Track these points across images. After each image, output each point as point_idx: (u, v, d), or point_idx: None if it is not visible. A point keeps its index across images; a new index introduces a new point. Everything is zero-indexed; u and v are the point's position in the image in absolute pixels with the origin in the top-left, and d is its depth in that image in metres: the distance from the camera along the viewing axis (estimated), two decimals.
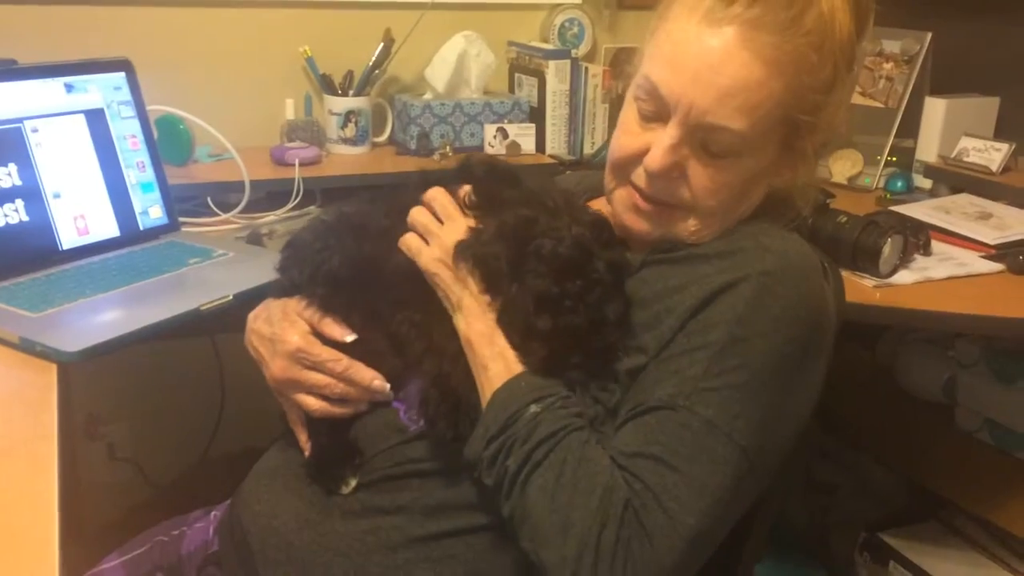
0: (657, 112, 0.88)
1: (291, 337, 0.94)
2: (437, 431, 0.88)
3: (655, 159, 0.87)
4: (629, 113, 0.92)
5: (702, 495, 0.79)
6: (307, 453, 0.97)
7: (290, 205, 1.69)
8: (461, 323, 0.89)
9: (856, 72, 0.91)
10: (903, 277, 1.42)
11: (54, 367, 1.03)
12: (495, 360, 0.86)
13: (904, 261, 1.45)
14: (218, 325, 1.83)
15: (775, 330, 0.84)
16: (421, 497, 0.90)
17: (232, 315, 1.35)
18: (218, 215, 1.61)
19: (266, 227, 1.63)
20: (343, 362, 0.93)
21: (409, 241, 0.93)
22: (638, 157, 0.90)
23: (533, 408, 0.83)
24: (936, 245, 1.54)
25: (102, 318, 1.16)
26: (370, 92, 1.93)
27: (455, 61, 1.91)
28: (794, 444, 0.89)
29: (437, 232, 0.91)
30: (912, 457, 1.84)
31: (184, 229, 1.52)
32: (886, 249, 1.39)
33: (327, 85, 1.92)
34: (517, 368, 0.86)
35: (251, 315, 1.02)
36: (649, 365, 0.86)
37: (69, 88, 1.38)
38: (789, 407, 0.86)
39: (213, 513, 1.08)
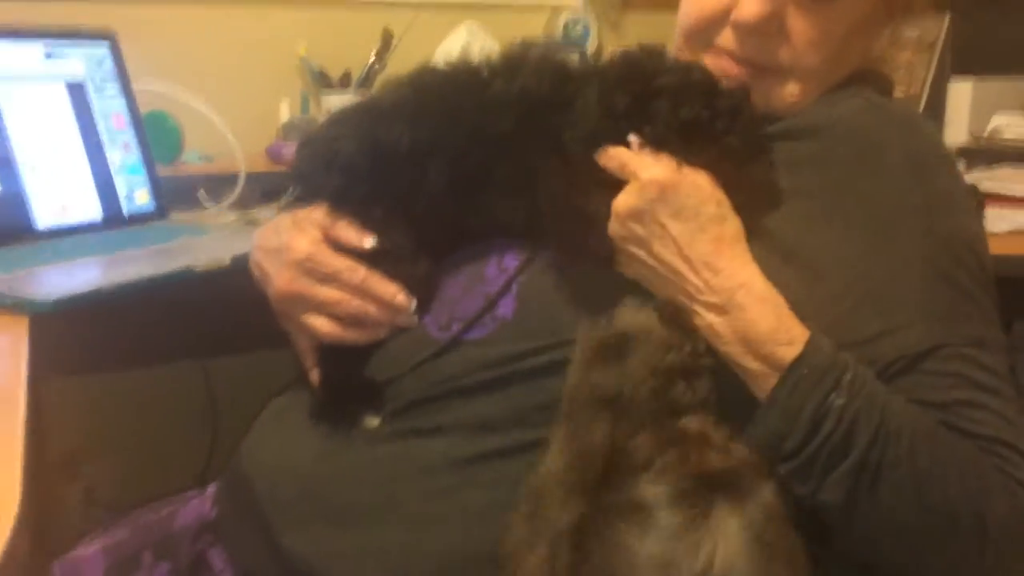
0: None
1: (299, 244, 0.80)
2: (590, 251, 0.73)
3: (749, 8, 0.76)
4: None
5: (1019, 413, 0.69)
6: (315, 387, 0.83)
7: (287, 198, 1.56)
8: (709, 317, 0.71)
9: None
10: None
11: (25, 322, 0.88)
12: (746, 357, 0.69)
13: None
14: (208, 350, 1.69)
15: (955, 208, 0.75)
16: (464, 416, 0.76)
17: (224, 336, 1.22)
18: (209, 206, 1.48)
19: (263, 219, 1.50)
20: (360, 272, 0.79)
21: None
22: (722, 15, 0.79)
23: (837, 401, 0.65)
24: (988, 211, 1.44)
25: (82, 275, 1.02)
26: (369, 90, 1.84)
27: (459, 53, 1.82)
28: None
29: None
30: None
31: (173, 218, 1.39)
32: None
33: (324, 83, 1.82)
34: (782, 362, 0.68)
35: (257, 231, 0.88)
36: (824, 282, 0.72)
37: (48, 55, 1.26)
38: (989, 265, 0.75)
39: (209, 489, 0.92)
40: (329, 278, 0.80)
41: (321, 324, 0.81)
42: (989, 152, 1.78)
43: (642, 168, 0.71)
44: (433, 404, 0.77)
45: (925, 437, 0.66)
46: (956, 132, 1.88)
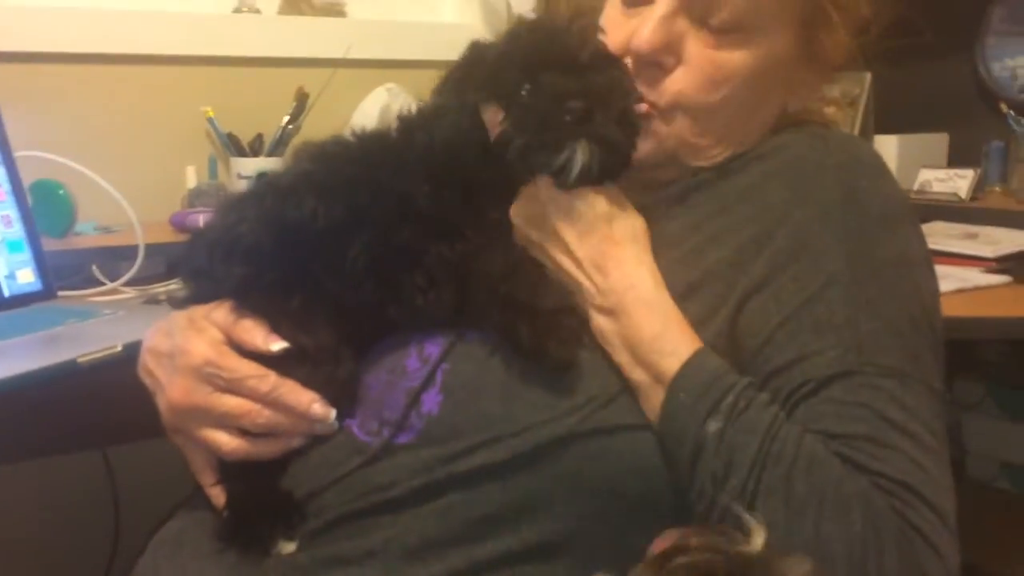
0: None
1: (197, 347, 0.70)
2: (550, 358, 0.66)
3: (643, 35, 0.72)
4: (609, 8, 0.77)
5: (938, 464, 0.63)
6: (219, 507, 0.72)
7: (180, 298, 1.43)
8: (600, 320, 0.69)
9: None
10: None
11: None
12: (633, 369, 0.67)
13: None
14: (108, 435, 1.55)
15: (891, 233, 0.70)
16: (397, 535, 0.66)
17: (125, 421, 1.10)
18: (104, 284, 1.35)
19: (165, 295, 1.37)
20: (269, 379, 0.70)
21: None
22: (626, 50, 0.74)
23: (712, 426, 0.63)
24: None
25: None
26: (283, 153, 1.74)
27: (378, 115, 1.75)
28: None
29: None
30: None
31: (62, 296, 1.26)
32: None
33: (234, 146, 1.72)
34: (664, 376, 0.66)
35: (147, 332, 0.77)
36: (714, 314, 0.68)
37: None
38: (936, 320, 0.71)
39: None
40: (233, 386, 0.70)
41: (224, 441, 0.71)
42: (918, 208, 1.78)
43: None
44: (361, 522, 0.67)
45: (808, 466, 0.62)
46: None
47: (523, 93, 0.67)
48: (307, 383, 0.70)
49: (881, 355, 0.65)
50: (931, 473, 0.63)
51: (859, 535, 0.60)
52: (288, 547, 0.68)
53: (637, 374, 0.66)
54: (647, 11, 0.73)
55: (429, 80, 2.09)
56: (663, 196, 0.76)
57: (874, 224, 0.70)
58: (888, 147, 1.89)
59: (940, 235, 1.58)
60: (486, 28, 2.02)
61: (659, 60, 0.73)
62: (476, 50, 0.73)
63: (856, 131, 1.89)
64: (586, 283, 0.68)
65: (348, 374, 0.72)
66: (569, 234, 0.69)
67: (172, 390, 0.72)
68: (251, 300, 0.72)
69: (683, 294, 0.69)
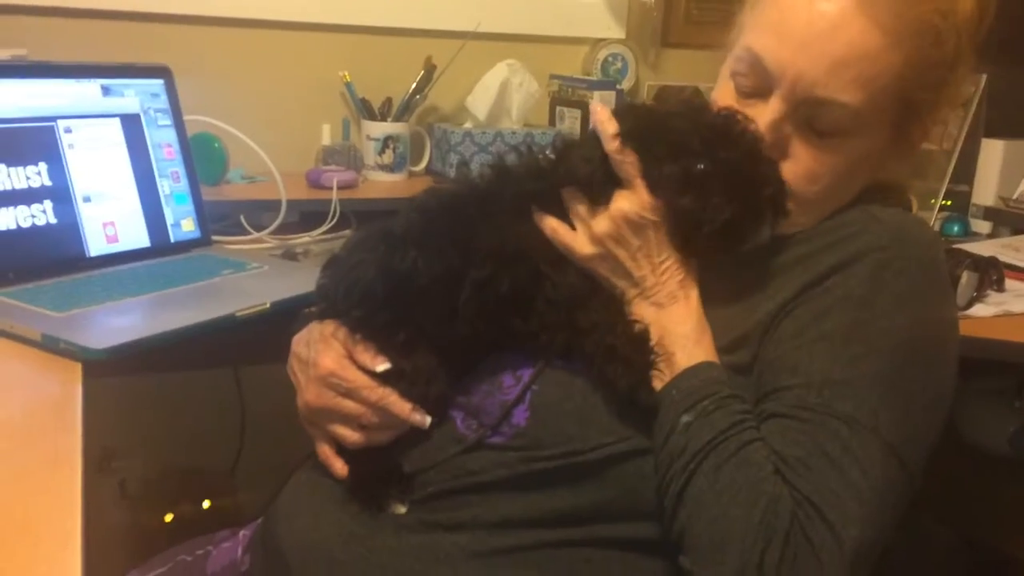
0: (757, 87, 0.82)
1: (324, 360, 0.86)
2: (641, 401, 0.79)
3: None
4: (724, 91, 0.85)
5: (860, 501, 0.71)
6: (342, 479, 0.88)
7: (325, 227, 1.62)
8: (646, 308, 0.81)
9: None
10: (980, 311, 1.32)
11: (78, 368, 0.95)
12: (667, 359, 0.79)
13: (979, 296, 1.36)
14: (242, 355, 1.75)
15: (900, 310, 0.76)
16: (483, 513, 0.81)
17: (257, 344, 1.27)
18: (251, 233, 1.54)
19: (301, 247, 1.56)
20: (377, 391, 0.84)
21: (556, 227, 0.83)
22: None
23: (684, 419, 0.75)
24: (1009, 283, 1.46)
25: (131, 319, 1.08)
26: (409, 119, 1.88)
27: (497, 89, 1.86)
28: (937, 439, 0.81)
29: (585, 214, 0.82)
30: (977, 516, 1.72)
31: (216, 245, 1.45)
32: (963, 279, 1.30)
33: (366, 110, 1.87)
34: (674, 367, 0.78)
35: (295, 337, 0.93)
36: (759, 357, 0.79)
37: (106, 91, 1.32)
38: (931, 394, 0.78)
39: (242, 532, 0.98)
40: (350, 394, 0.85)
41: (347, 434, 0.86)
42: (1014, 216, 1.80)
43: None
44: (455, 498, 0.82)
45: (739, 463, 0.73)
46: (984, 193, 1.90)
47: (699, 167, 0.77)
48: (405, 397, 0.84)
49: (839, 401, 0.74)
50: (844, 502, 0.71)
51: (755, 525, 0.70)
52: (400, 508, 0.84)
53: (665, 363, 0.78)
54: (760, 106, 0.81)
55: (551, 56, 2.21)
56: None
57: (888, 300, 0.77)
58: (993, 152, 1.89)
59: None
60: (606, 5, 2.10)
61: None
62: (645, 113, 0.83)
63: (964, 132, 1.89)
64: (650, 278, 0.80)
65: (438, 394, 0.85)
66: (643, 246, 0.80)
67: (307, 393, 0.87)
68: (363, 332, 0.86)
69: (736, 344, 0.80)
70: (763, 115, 0.80)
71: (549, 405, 0.81)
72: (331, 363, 0.85)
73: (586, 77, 2.06)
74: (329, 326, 0.88)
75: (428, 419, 0.84)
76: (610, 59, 2.11)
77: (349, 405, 0.85)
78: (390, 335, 0.84)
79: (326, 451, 0.89)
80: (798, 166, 0.81)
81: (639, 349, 0.79)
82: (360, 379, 0.84)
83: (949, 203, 1.91)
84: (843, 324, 0.76)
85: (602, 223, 0.80)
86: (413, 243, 0.83)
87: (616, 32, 2.12)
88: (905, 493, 0.76)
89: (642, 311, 0.80)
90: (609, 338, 0.78)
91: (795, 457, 0.73)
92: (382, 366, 0.84)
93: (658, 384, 0.78)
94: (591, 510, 0.79)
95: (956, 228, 1.86)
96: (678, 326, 0.79)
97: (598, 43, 2.10)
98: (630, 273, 0.81)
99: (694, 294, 0.81)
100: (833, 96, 0.78)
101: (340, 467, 0.87)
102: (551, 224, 0.82)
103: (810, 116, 0.80)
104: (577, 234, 0.82)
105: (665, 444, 0.76)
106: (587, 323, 0.80)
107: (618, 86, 2.02)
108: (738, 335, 0.80)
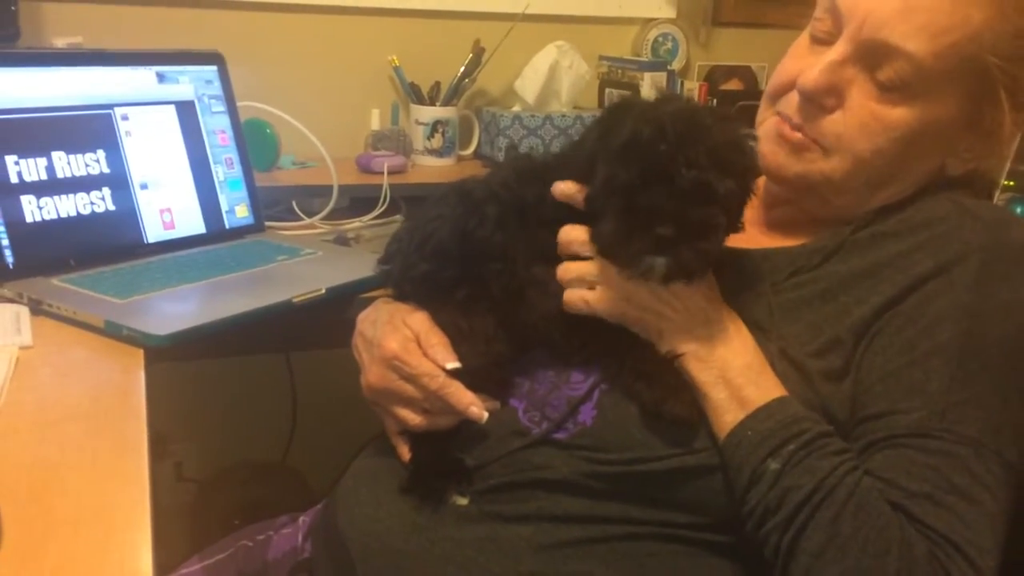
0: (830, 32, 0.80)
1: (390, 343, 0.85)
2: (667, 414, 0.77)
3: (810, 75, 0.78)
4: (802, 37, 0.84)
5: (993, 529, 0.70)
6: (404, 461, 0.88)
7: (376, 212, 1.62)
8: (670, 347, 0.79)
9: None
10: None
11: (140, 354, 0.96)
12: (716, 386, 0.76)
13: None
14: (294, 340, 1.77)
15: (1009, 317, 0.74)
16: (547, 506, 0.80)
17: (309, 330, 1.28)
18: (303, 219, 1.55)
19: (352, 232, 1.56)
20: (438, 379, 0.83)
21: (574, 300, 0.81)
22: (793, 83, 0.81)
23: (772, 465, 0.72)
24: None
25: (191, 306, 1.09)
26: (457, 103, 1.88)
27: (547, 72, 1.84)
28: None
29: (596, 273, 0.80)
30: None
31: (269, 231, 1.46)
32: None
33: (415, 94, 1.87)
34: (746, 403, 0.75)
35: (360, 315, 0.93)
36: (852, 367, 0.76)
37: (161, 78, 1.33)
38: None
39: (301, 519, 0.99)
40: (412, 379, 0.84)
41: (409, 416, 0.85)
42: None
43: None
44: (519, 491, 0.81)
45: (856, 511, 0.69)
46: None
47: (637, 184, 0.73)
48: (466, 359, 0.83)
49: (962, 425, 0.72)
50: (979, 534, 0.69)
51: (893, 571, 0.68)
52: (461, 500, 0.83)
53: (718, 392, 0.75)
54: (826, 52, 0.79)
55: (600, 37, 2.17)
56: (818, 247, 0.82)
57: (996, 308, 0.75)
58: None
59: None
60: None
61: (821, 101, 0.79)
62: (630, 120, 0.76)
63: None
64: (668, 311, 0.77)
65: (498, 354, 0.84)
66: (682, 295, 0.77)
67: (370, 374, 0.87)
68: (426, 288, 0.86)
69: (827, 347, 0.77)
70: (828, 54, 0.78)
71: (616, 405, 0.80)
72: (396, 346, 0.84)
73: (636, 58, 2.03)
74: (401, 310, 0.87)
75: (485, 414, 0.83)
76: (660, 39, 2.07)
77: (410, 389, 0.84)
78: (453, 291, 0.84)
79: (392, 429, 0.88)
80: (852, 116, 0.78)
81: (663, 368, 0.78)
82: (423, 366, 0.83)
83: (1012, 184, 1.86)
84: (955, 336, 0.74)
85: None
86: (490, 214, 0.83)
87: (666, 12, 2.08)
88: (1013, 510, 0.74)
89: (693, 348, 0.77)
90: (629, 359, 0.79)
91: (923, 493, 0.71)
92: (452, 364, 0.83)
93: (729, 420, 0.75)
94: (656, 515, 0.78)
95: (1020, 210, 1.81)
96: (737, 357, 0.76)
97: (648, 23, 2.07)
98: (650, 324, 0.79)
99: (740, 322, 0.78)
100: (899, 42, 0.75)
101: (405, 451, 0.87)
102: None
103: (874, 63, 0.77)
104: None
105: (752, 490, 0.73)
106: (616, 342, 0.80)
107: (669, 67, 1.99)
108: (828, 339, 0.78)
